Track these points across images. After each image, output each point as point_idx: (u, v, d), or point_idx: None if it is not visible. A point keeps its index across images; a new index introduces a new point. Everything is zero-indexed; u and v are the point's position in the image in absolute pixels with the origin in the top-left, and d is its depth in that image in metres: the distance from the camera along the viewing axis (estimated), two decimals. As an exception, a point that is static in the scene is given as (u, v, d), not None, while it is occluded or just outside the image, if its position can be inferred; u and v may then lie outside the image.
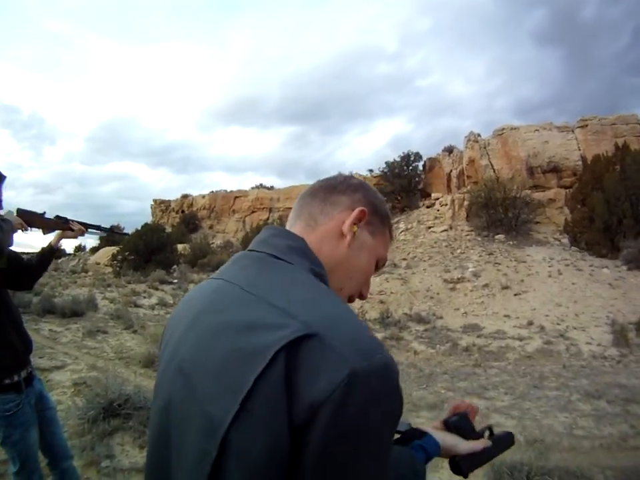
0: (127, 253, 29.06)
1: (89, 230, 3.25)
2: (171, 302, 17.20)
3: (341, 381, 0.67)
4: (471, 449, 1.12)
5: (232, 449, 0.73)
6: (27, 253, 3.15)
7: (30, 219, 2.86)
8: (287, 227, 1.05)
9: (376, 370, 0.70)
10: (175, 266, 29.79)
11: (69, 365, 7.32)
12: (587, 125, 28.21)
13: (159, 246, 29.18)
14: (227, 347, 0.78)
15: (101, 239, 44.71)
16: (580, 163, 26.47)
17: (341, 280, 0.99)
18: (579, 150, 27.65)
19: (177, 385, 0.86)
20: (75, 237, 3.16)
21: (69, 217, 3.13)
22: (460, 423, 1.14)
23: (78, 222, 3.14)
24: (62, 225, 3.08)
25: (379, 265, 1.08)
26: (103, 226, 3.42)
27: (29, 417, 2.68)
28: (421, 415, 6.24)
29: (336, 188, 1.06)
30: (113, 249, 32.47)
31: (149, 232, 29.45)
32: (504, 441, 1.19)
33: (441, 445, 1.09)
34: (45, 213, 2.99)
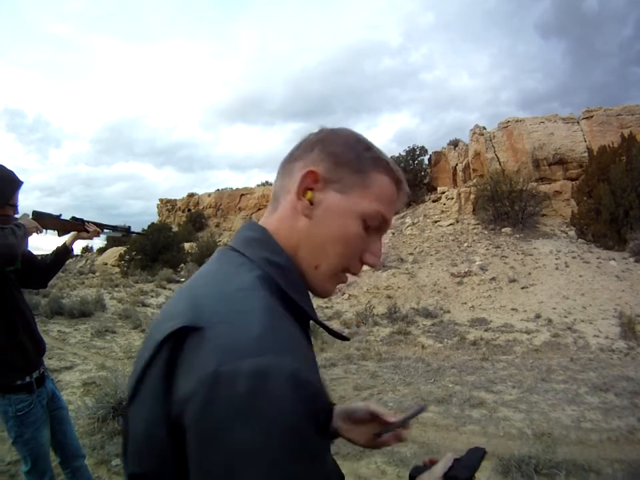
0: (134, 253, 29.25)
1: (105, 230, 3.29)
2: (179, 300, 17.23)
3: (204, 380, 0.64)
4: None
5: (129, 429, 0.77)
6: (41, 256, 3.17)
7: (45, 222, 2.89)
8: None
9: (245, 375, 0.63)
10: (182, 265, 29.91)
11: (78, 365, 7.40)
12: (592, 116, 28.01)
13: (165, 245, 29.35)
14: (148, 335, 0.81)
15: (107, 239, 45.00)
16: (586, 154, 26.32)
17: (311, 257, 0.89)
18: (585, 141, 27.47)
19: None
20: (91, 238, 3.22)
21: (84, 219, 3.17)
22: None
23: (93, 223, 3.19)
24: (77, 226, 3.12)
25: (372, 224, 0.91)
26: (119, 226, 3.45)
27: (41, 416, 2.72)
28: (429, 409, 6.22)
29: (292, 154, 0.96)
30: (120, 249, 32.72)
31: (156, 231, 29.60)
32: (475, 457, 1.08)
33: None
34: (60, 215, 3.02)
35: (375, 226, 0.91)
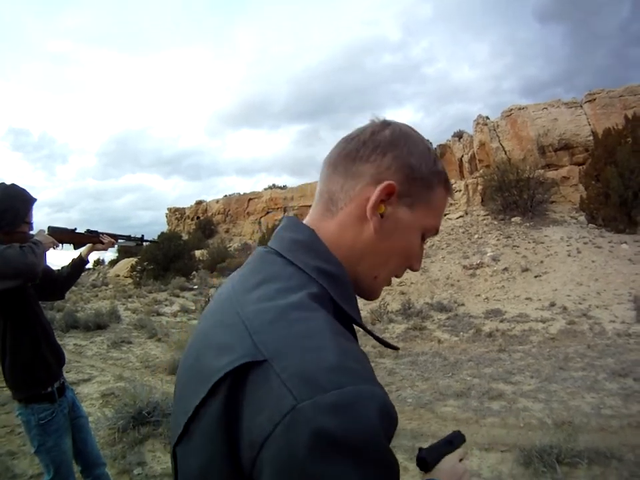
0: (145, 263, 29.44)
1: (119, 240, 3.36)
2: (193, 308, 17.42)
3: (281, 419, 0.58)
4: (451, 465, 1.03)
5: (179, 467, 0.75)
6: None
7: (61, 236, 2.97)
8: (311, 208, 0.93)
9: (330, 409, 0.57)
10: (194, 272, 30.03)
11: (95, 377, 7.47)
12: (595, 99, 27.78)
13: (176, 254, 29.49)
14: (194, 362, 0.76)
15: (118, 250, 45.18)
16: (591, 138, 26.07)
17: (372, 268, 0.87)
18: (589, 125, 27.24)
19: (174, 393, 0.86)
20: (106, 249, 3.30)
21: (99, 231, 3.24)
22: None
23: (108, 234, 3.25)
24: (92, 238, 3.19)
25: (426, 236, 0.92)
26: (133, 236, 3.49)
27: (63, 424, 2.80)
28: (448, 403, 6.31)
29: (358, 153, 0.87)
30: (131, 260, 32.86)
31: (166, 240, 29.74)
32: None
33: None
34: (75, 228, 3.09)
35: (427, 237, 0.92)
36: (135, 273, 29.77)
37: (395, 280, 0.95)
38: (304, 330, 0.66)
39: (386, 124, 0.90)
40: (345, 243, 0.84)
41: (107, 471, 3.24)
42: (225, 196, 53.72)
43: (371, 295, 0.92)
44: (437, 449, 1.07)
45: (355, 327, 0.86)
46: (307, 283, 0.76)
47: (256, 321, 0.69)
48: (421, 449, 1.05)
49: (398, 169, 0.84)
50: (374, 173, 0.84)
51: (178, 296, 21.42)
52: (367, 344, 10.25)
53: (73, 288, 27.97)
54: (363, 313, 14.34)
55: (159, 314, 15.93)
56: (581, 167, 26.01)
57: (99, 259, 51.85)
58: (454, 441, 1.10)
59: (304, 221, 0.90)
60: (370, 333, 0.91)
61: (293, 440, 0.57)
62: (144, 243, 3.63)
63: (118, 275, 35.61)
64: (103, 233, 3.22)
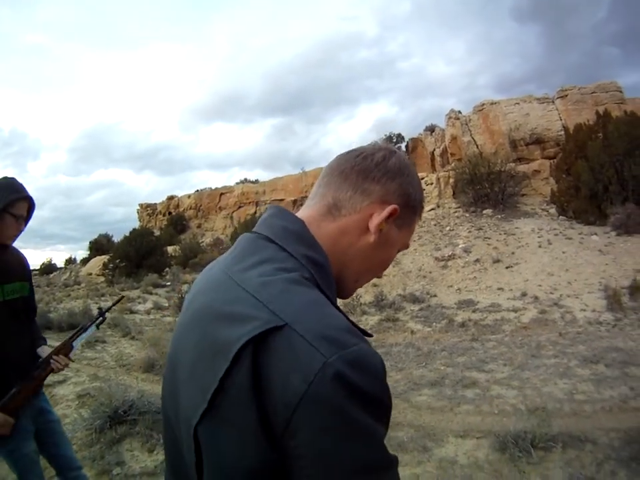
0: (117, 261, 29.22)
1: (74, 344, 2.83)
2: (166, 305, 17.30)
3: (315, 377, 0.64)
4: None
5: (204, 447, 0.74)
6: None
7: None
8: (306, 204, 1.00)
9: (352, 361, 0.66)
10: (166, 269, 29.82)
11: (71, 379, 7.31)
12: (566, 95, 28.21)
13: (148, 250, 29.31)
14: (202, 338, 0.79)
15: (90, 248, 44.63)
16: (562, 133, 26.52)
17: (357, 273, 0.97)
18: (561, 120, 27.68)
19: (167, 377, 0.92)
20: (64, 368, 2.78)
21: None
22: None
23: (61, 346, 2.76)
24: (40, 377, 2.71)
25: (399, 251, 1.04)
26: (85, 325, 2.97)
27: (24, 427, 2.63)
28: (423, 392, 6.30)
29: (371, 173, 0.95)
30: (103, 258, 32.54)
31: (138, 237, 29.58)
32: None
33: None
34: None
35: (399, 251, 1.04)
36: (107, 271, 29.45)
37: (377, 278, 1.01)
38: (311, 299, 0.75)
39: (393, 152, 1.00)
40: (340, 245, 0.92)
41: (85, 473, 3.12)
42: (197, 191, 53.54)
43: (346, 295, 1.00)
44: None
45: None
46: (299, 267, 0.82)
47: (264, 293, 0.74)
48: None
49: (400, 195, 0.95)
50: (382, 194, 0.94)
51: (151, 293, 21.22)
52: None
53: (46, 288, 27.77)
54: (336, 305, 14.36)
55: (132, 312, 15.69)
56: (552, 161, 26.50)
57: (70, 258, 51.24)
58: None
59: (298, 213, 0.96)
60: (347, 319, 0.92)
61: (330, 393, 0.64)
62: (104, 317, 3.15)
63: (90, 274, 35.26)
64: (54, 358, 2.71)
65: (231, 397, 0.69)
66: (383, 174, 0.95)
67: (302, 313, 0.71)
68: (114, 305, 3.27)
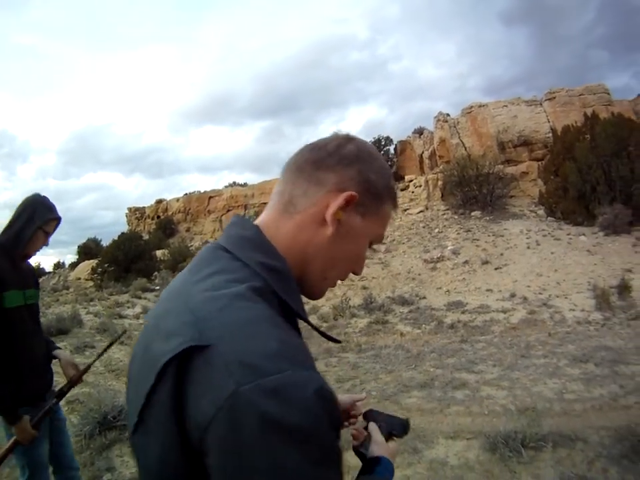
0: (106, 265, 28.89)
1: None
2: (156, 309, 17.10)
3: (223, 403, 0.61)
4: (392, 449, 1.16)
5: (138, 455, 0.77)
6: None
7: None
8: (267, 205, 0.96)
9: (270, 390, 0.60)
10: (155, 273, 29.59)
11: (59, 384, 7.23)
12: (554, 97, 28.42)
13: (137, 254, 29.02)
14: (144, 351, 0.78)
15: (79, 252, 44.36)
16: (550, 135, 26.68)
17: (322, 270, 0.91)
18: (548, 122, 27.86)
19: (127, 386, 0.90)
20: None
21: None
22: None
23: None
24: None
25: (373, 244, 0.98)
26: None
27: (41, 431, 2.73)
28: (412, 394, 6.29)
29: (324, 162, 0.90)
30: (92, 263, 32.20)
31: (127, 241, 29.31)
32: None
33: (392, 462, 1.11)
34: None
35: (373, 245, 0.98)
36: (95, 275, 29.16)
37: (356, 275, 0.94)
38: (247, 318, 0.69)
39: (350, 138, 0.95)
40: (299, 243, 0.88)
41: (80, 475, 3.21)
42: (186, 194, 53.25)
43: (316, 295, 0.95)
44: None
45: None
46: (250, 277, 0.78)
47: (203, 309, 0.71)
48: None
49: (359, 181, 0.89)
50: (337, 182, 0.88)
51: (140, 297, 21.05)
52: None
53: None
54: (325, 309, 14.35)
55: (121, 316, 15.54)
56: (539, 163, 26.65)
57: (59, 262, 50.90)
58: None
59: (259, 218, 0.93)
60: (312, 326, 0.93)
61: (236, 423, 0.60)
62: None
63: (79, 278, 34.86)
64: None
65: (155, 412, 0.69)
66: (338, 161, 0.90)
67: (230, 333, 0.67)
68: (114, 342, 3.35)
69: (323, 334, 1.01)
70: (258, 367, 0.62)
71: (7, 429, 2.66)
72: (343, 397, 1.30)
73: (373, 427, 1.18)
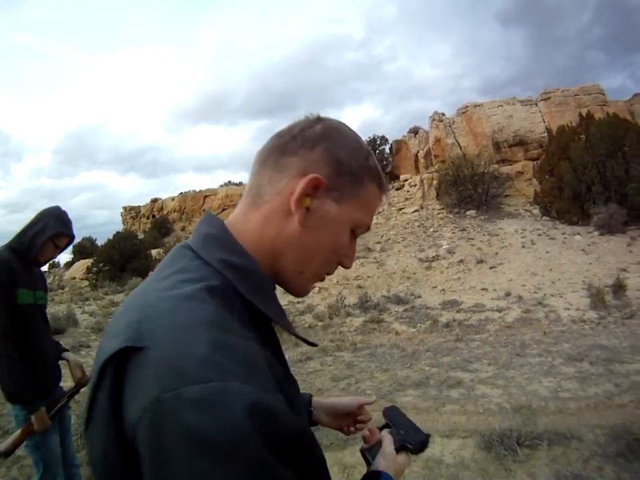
0: (101, 265, 28.86)
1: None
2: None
3: (148, 408, 0.57)
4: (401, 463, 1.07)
5: (88, 450, 0.74)
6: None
7: None
8: (239, 201, 0.91)
9: (194, 399, 0.56)
10: (150, 272, 29.53)
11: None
12: (550, 98, 28.48)
13: (132, 253, 29.01)
14: (99, 350, 0.74)
15: (74, 252, 44.21)
16: (545, 134, 26.79)
17: (297, 264, 0.85)
18: (544, 122, 27.94)
19: None
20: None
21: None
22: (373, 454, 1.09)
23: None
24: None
25: (357, 233, 0.89)
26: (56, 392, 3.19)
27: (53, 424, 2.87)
28: (408, 393, 6.30)
29: (288, 146, 0.85)
30: (87, 262, 32.15)
31: (122, 240, 29.30)
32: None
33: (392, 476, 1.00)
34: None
35: (358, 233, 0.90)
36: (90, 274, 29.10)
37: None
38: (187, 321, 0.65)
39: (318, 120, 0.88)
40: (267, 236, 0.83)
41: (81, 472, 3.32)
42: (181, 193, 53.15)
43: (298, 291, 0.90)
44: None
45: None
46: (209, 276, 0.75)
47: (149, 309, 0.69)
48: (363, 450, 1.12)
49: (326, 162, 0.82)
50: (301, 166, 0.82)
51: (135, 296, 21.08)
52: (324, 339, 10.25)
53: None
54: (320, 308, 14.32)
55: (116, 316, 15.62)
56: (535, 162, 26.72)
57: (54, 262, 50.69)
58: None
59: (230, 215, 0.90)
60: (286, 327, 0.84)
61: (159, 430, 0.57)
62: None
63: (74, 278, 34.72)
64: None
65: (98, 410, 0.67)
66: (301, 144, 0.84)
67: (165, 336, 0.63)
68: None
69: (297, 336, 0.92)
70: (183, 374, 0.58)
71: (19, 421, 2.81)
72: (347, 400, 1.27)
73: (386, 434, 1.11)
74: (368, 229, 0.91)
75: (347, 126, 0.91)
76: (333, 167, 0.82)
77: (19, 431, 2.72)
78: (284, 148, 0.85)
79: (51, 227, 2.92)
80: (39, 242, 2.90)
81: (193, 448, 0.54)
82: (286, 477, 0.60)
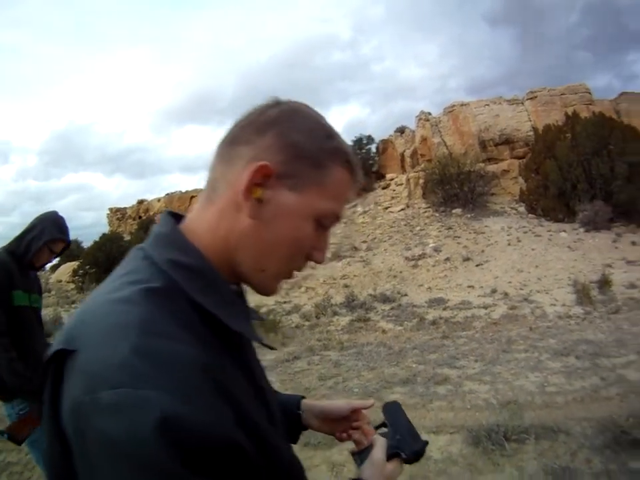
0: (87, 267, 28.71)
1: None
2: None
3: (72, 409, 0.59)
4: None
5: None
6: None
7: None
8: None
9: (103, 408, 0.55)
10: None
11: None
12: (536, 97, 28.63)
13: (119, 255, 28.49)
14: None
15: (60, 254, 43.85)
16: (531, 133, 26.92)
17: (256, 260, 0.78)
18: (530, 121, 28.07)
19: None
20: None
21: None
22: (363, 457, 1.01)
23: None
24: None
25: (325, 222, 0.80)
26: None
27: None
28: (395, 390, 6.31)
29: (240, 135, 0.79)
30: (73, 265, 31.94)
31: (108, 242, 29.22)
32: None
33: None
34: None
35: (326, 224, 0.81)
36: (77, 277, 28.92)
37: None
38: (115, 324, 0.63)
39: (276, 103, 0.81)
40: (220, 232, 0.78)
41: None
42: (167, 194, 52.96)
43: (264, 290, 0.83)
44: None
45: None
46: (153, 277, 0.71)
47: (88, 313, 0.69)
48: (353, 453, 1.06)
49: (279, 148, 0.76)
50: (251, 155, 0.75)
51: (122, 298, 21.02)
52: (311, 338, 10.25)
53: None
54: (307, 307, 14.30)
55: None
56: (521, 161, 26.83)
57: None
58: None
59: (189, 214, 0.85)
60: (238, 328, 0.76)
61: (79, 433, 0.58)
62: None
63: (60, 280, 34.52)
64: None
65: (45, 408, 0.67)
66: (253, 131, 0.77)
67: (92, 339, 0.63)
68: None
69: (255, 338, 0.83)
70: (100, 378, 0.57)
71: (12, 420, 2.87)
72: (338, 404, 1.18)
73: (379, 438, 1.03)
74: (338, 218, 0.83)
75: (307, 107, 0.83)
76: (286, 152, 0.76)
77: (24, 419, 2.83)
78: (237, 137, 0.79)
79: (47, 233, 3.02)
80: (35, 247, 2.99)
81: (111, 455, 0.55)
82: None
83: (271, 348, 0.98)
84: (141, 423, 0.54)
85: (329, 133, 0.80)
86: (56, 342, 0.67)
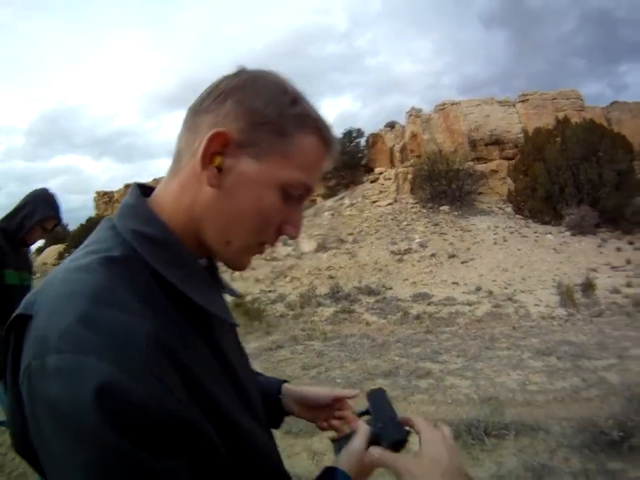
0: (73, 250, 28.57)
1: None
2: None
3: (23, 373, 0.60)
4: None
5: None
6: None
7: None
8: None
9: (48, 373, 0.56)
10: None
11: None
12: (528, 100, 28.83)
13: (105, 239, 28.88)
14: None
15: (45, 237, 43.57)
16: (521, 135, 27.14)
17: (220, 233, 0.76)
18: (520, 123, 28.27)
19: None
20: None
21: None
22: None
23: None
24: None
25: (293, 193, 0.76)
26: None
27: None
28: (377, 382, 6.31)
29: (201, 104, 0.77)
30: (59, 247, 31.81)
31: (94, 225, 28.67)
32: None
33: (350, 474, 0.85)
34: None
35: (295, 195, 0.77)
36: (62, 260, 28.80)
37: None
38: (68, 291, 0.63)
39: (240, 72, 0.78)
40: (184, 204, 0.76)
41: None
42: (155, 179, 52.62)
43: (232, 264, 0.81)
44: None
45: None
46: (113, 247, 0.71)
47: (48, 281, 0.69)
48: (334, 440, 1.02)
49: (239, 115, 0.73)
50: (212, 123, 0.73)
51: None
52: (295, 327, 10.26)
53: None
54: (292, 297, 14.29)
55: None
56: (509, 162, 27.03)
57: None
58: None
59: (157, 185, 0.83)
60: (201, 302, 0.73)
61: (29, 395, 0.59)
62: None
63: (45, 263, 34.25)
64: None
65: (7, 373, 0.68)
66: (214, 99, 0.75)
67: (45, 306, 0.64)
68: None
69: (217, 312, 0.77)
70: (48, 343, 0.58)
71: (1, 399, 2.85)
72: (319, 390, 1.15)
73: (361, 425, 0.95)
74: (308, 190, 0.79)
75: (271, 73, 0.79)
76: (246, 119, 0.73)
77: None
78: (198, 107, 0.77)
79: (40, 211, 3.05)
80: (28, 225, 3.03)
81: (53, 418, 0.56)
82: (144, 462, 0.56)
83: (235, 325, 0.89)
84: (80, 388, 0.54)
85: (293, 99, 0.76)
86: (18, 309, 0.68)
